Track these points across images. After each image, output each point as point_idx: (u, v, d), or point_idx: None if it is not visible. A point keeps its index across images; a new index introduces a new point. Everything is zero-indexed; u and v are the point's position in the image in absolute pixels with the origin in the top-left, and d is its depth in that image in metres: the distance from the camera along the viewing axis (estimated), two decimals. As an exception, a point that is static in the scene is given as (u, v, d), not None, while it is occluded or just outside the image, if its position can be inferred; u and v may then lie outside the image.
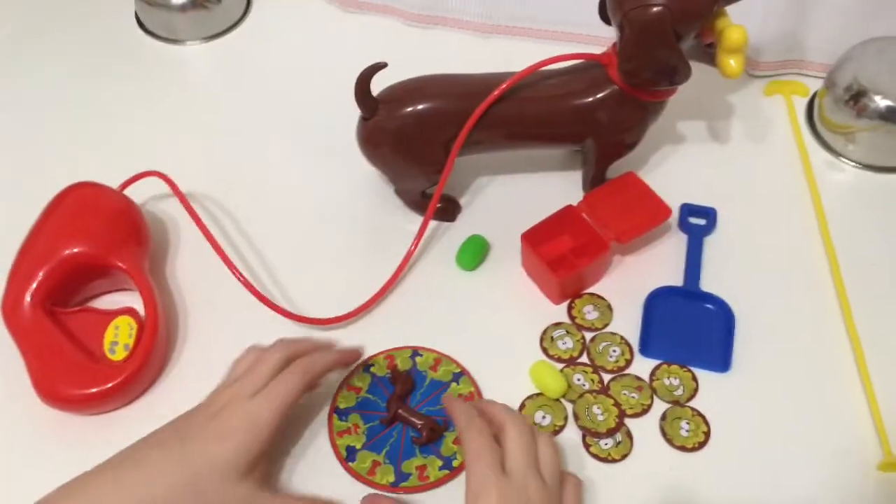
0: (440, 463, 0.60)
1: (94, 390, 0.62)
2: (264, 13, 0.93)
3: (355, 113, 0.67)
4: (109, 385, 0.62)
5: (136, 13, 0.92)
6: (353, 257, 0.73)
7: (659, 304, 0.68)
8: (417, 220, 0.72)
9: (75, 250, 0.65)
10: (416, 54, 0.82)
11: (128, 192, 0.71)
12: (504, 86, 0.65)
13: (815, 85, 0.82)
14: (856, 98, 0.74)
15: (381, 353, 0.66)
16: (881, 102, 0.73)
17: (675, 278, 0.69)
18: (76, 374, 0.62)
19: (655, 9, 0.60)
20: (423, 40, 0.89)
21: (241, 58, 0.89)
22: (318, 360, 0.60)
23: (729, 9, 0.64)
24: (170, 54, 0.90)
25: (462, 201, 0.75)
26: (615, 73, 0.65)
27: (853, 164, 0.77)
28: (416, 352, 0.66)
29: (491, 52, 0.87)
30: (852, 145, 0.76)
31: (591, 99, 0.67)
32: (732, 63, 0.62)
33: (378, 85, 0.66)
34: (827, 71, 0.79)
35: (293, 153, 0.80)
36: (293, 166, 0.79)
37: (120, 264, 0.66)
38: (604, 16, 0.67)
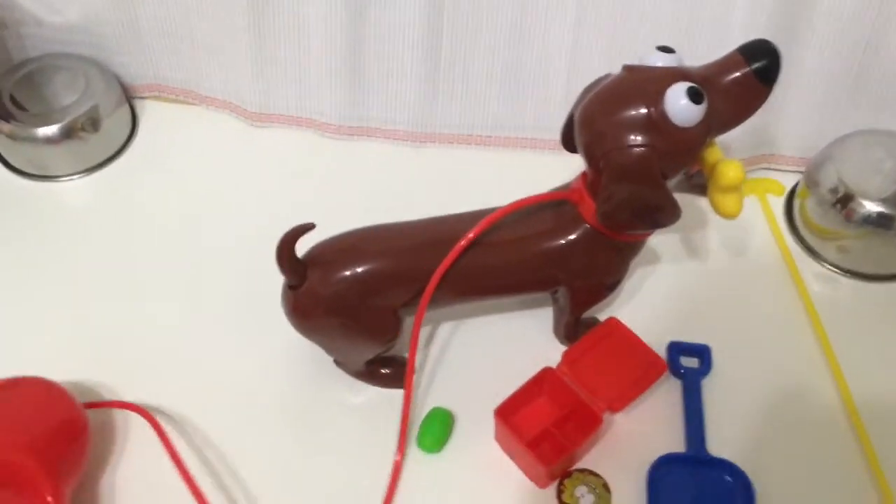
0: None
1: None
2: (153, 135, 0.79)
3: (272, 250, 0.53)
4: None
5: (-4, 147, 0.77)
6: (287, 448, 0.59)
7: (663, 477, 0.57)
8: (362, 388, 0.61)
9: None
10: (338, 168, 0.73)
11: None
12: (463, 242, 0.54)
13: (787, 180, 0.74)
14: (843, 202, 0.66)
15: None
16: (872, 208, 0.65)
17: (675, 437, 0.59)
18: None
19: (638, 150, 0.50)
20: (346, 152, 0.77)
21: (130, 191, 0.75)
22: None
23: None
24: (41, 193, 0.75)
25: (416, 363, 0.63)
26: (587, 211, 0.55)
27: (848, 275, 0.69)
28: None
29: (424, 162, 0.75)
30: (844, 253, 0.68)
31: (561, 241, 0.56)
32: (729, 203, 0.52)
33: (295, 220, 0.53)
34: (801, 164, 0.72)
35: (198, 311, 0.66)
36: (200, 330, 0.65)
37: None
38: (568, 144, 0.57)
